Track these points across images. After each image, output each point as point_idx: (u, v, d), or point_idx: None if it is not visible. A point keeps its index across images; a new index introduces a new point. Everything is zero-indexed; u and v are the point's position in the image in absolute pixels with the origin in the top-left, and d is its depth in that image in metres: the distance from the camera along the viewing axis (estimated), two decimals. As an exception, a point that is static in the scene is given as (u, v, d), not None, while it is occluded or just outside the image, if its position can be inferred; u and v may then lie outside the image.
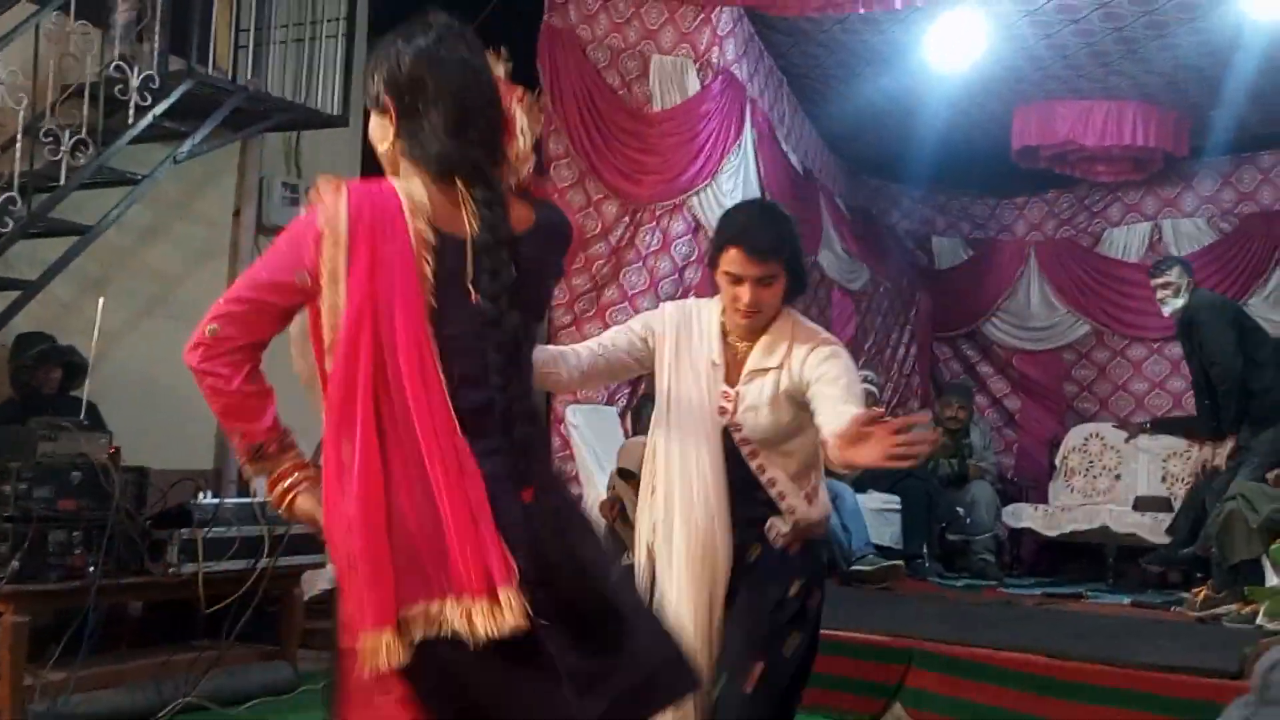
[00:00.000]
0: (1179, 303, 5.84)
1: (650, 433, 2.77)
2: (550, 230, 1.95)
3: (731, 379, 2.65)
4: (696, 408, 2.65)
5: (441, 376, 1.77)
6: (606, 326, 6.43)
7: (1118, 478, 7.84)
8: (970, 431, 7.67)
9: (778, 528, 2.63)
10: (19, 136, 4.76)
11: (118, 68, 4.96)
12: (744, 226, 2.61)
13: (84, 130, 4.82)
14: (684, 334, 2.70)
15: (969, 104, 7.31)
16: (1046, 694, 3.96)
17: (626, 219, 6.54)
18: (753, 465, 2.63)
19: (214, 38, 5.53)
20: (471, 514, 1.74)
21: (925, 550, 6.89)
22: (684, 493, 2.63)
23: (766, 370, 2.61)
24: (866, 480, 6.84)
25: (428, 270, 1.79)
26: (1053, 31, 6.43)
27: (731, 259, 2.57)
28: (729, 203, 6.69)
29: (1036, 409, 8.90)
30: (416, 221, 1.80)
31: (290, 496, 1.89)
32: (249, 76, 5.74)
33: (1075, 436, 8.19)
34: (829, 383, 2.49)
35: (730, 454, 2.63)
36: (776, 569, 2.63)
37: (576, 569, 1.87)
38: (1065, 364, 8.85)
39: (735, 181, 6.74)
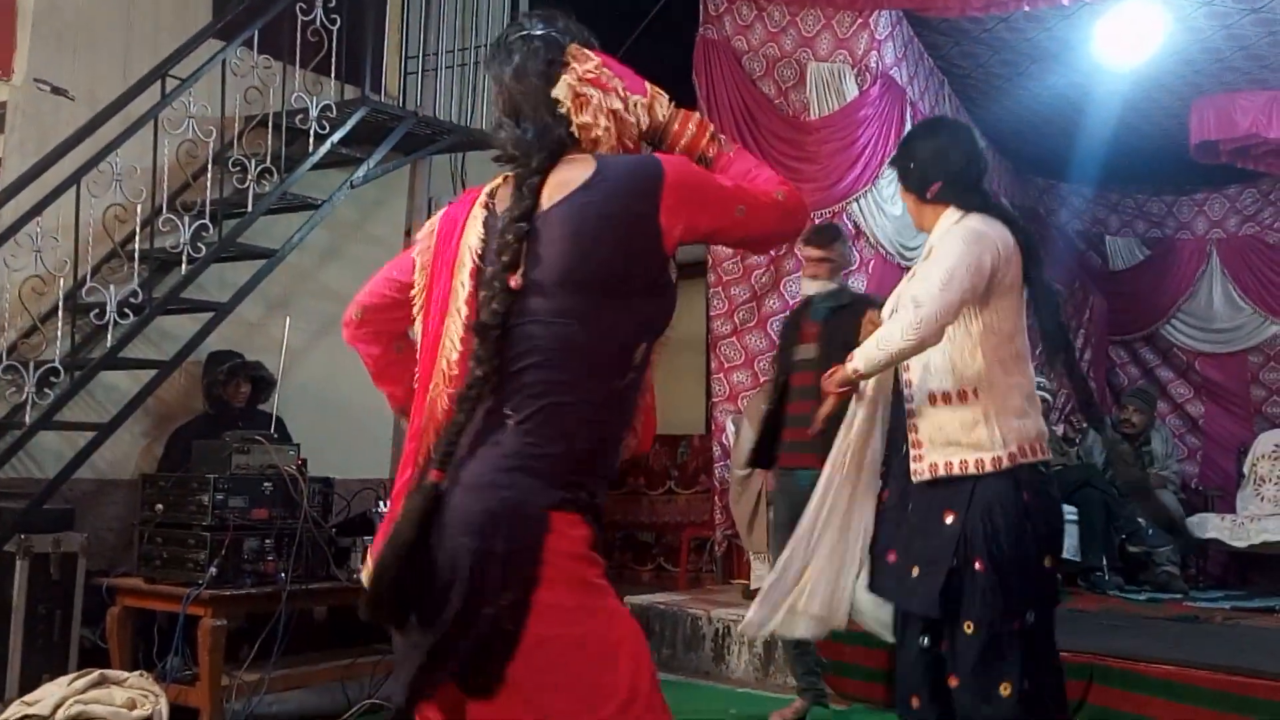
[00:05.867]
0: None
1: None
2: (609, 180, 1.76)
3: None
4: None
5: (437, 369, 1.82)
6: (768, 337, 6.46)
7: (1313, 486, 7.40)
8: (1151, 439, 7.36)
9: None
10: (209, 166, 5.05)
11: (298, 98, 5.21)
12: None
13: (268, 159, 5.07)
14: None
15: (1142, 99, 7.04)
16: (1237, 713, 3.77)
17: (786, 228, 6.52)
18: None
19: (385, 67, 5.76)
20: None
21: (1105, 562, 6.64)
22: None
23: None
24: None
25: (470, 261, 1.81)
26: (1231, 22, 6.14)
27: None
28: (890, 209, 6.63)
29: (1222, 414, 8.48)
30: (477, 213, 1.85)
31: None
32: (418, 102, 5.96)
33: (1265, 443, 7.75)
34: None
35: None
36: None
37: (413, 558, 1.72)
38: (1252, 366, 8.42)
39: (896, 186, 6.64)
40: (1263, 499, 7.51)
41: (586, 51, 1.87)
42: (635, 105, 1.86)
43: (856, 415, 2.97)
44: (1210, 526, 7.15)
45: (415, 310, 1.89)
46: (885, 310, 2.95)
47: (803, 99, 6.53)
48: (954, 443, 2.73)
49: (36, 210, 4.37)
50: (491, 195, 1.87)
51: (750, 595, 5.69)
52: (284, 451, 4.30)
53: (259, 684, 4.01)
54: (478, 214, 1.84)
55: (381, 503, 4.59)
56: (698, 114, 1.95)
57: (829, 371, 2.89)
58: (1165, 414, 8.40)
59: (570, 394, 1.72)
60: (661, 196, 1.75)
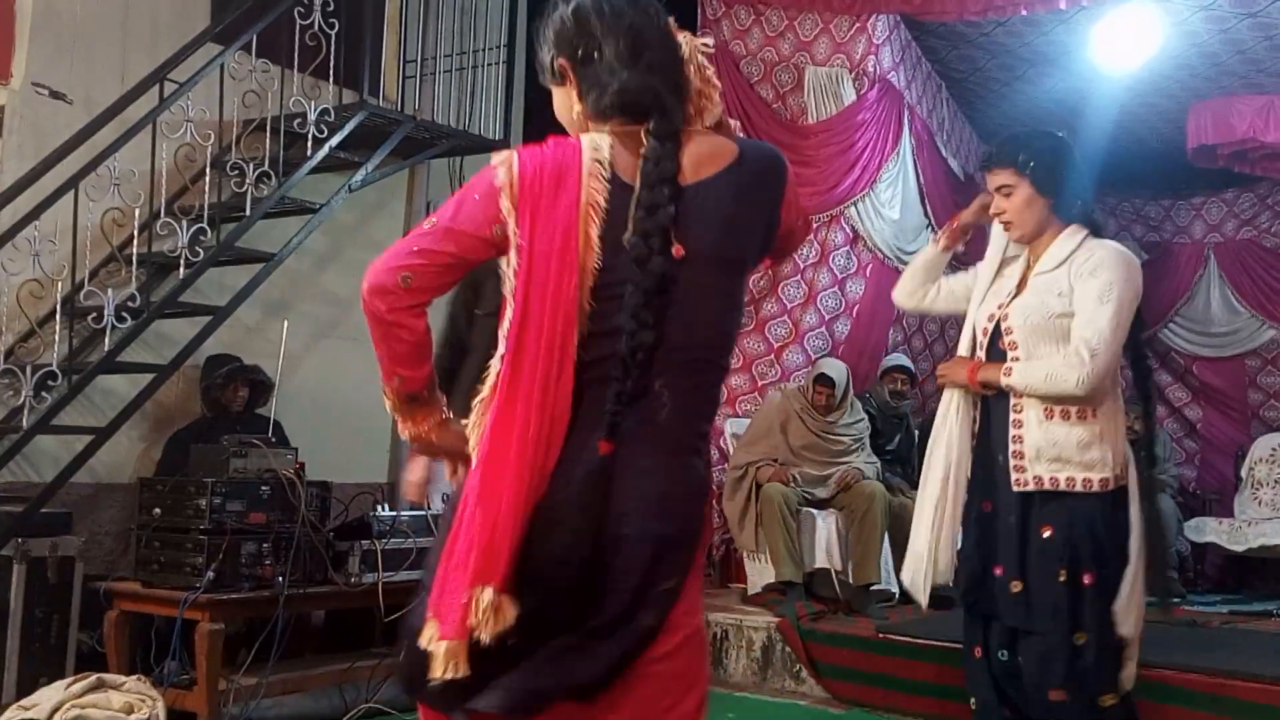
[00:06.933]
0: None
1: None
2: (754, 164, 1.77)
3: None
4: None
5: (574, 339, 1.65)
6: (766, 340, 6.47)
7: (1310, 490, 7.42)
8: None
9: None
10: (207, 170, 5.05)
11: (296, 102, 5.22)
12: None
13: (266, 162, 5.07)
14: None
15: (1139, 103, 7.05)
16: (1233, 717, 3.77)
17: (783, 232, 6.52)
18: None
19: (383, 71, 5.77)
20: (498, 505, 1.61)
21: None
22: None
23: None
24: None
25: (594, 223, 1.66)
26: (1228, 26, 6.15)
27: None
28: (888, 212, 6.64)
29: (1219, 418, 8.49)
30: (593, 169, 1.69)
31: (435, 429, 1.79)
32: (416, 106, 5.97)
33: (1262, 446, 7.77)
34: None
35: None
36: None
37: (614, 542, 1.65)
38: (1250, 370, 8.43)
39: (894, 190, 6.66)
40: (1260, 503, 7.52)
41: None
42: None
43: (955, 403, 2.96)
44: (1208, 530, 7.16)
45: (511, 254, 1.68)
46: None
47: (800, 103, 6.54)
48: (1064, 459, 2.74)
49: (34, 214, 4.37)
50: (597, 150, 1.71)
51: (748, 599, 5.70)
52: (282, 455, 4.29)
53: (256, 688, 4.01)
54: (595, 171, 1.68)
55: (380, 506, 4.58)
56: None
57: (970, 364, 2.88)
58: (1163, 418, 8.40)
59: (714, 372, 1.77)
60: (785, 189, 1.81)
